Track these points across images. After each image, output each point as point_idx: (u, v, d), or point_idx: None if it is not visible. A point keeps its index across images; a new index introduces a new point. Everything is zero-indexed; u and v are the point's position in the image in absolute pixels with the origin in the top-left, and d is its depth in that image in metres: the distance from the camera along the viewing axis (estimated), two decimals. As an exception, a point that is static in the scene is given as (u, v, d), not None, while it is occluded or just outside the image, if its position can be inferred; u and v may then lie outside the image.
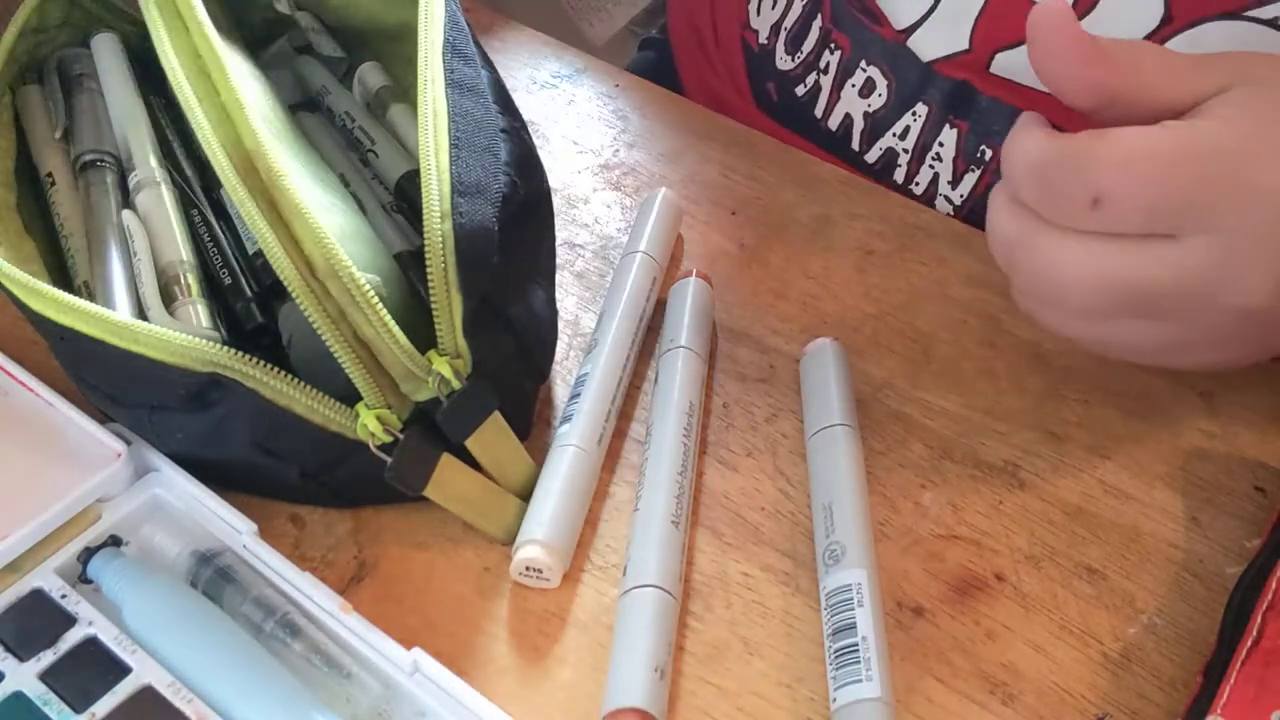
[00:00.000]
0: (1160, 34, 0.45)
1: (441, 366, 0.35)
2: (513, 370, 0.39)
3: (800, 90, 0.58)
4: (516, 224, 0.38)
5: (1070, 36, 0.34)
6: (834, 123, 0.57)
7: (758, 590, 0.38)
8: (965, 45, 0.50)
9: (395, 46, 0.46)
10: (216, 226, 0.41)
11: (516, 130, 0.40)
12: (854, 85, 0.55)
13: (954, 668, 0.36)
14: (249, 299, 0.39)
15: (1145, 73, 0.35)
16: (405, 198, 0.41)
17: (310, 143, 0.44)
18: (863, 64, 0.54)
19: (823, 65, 0.57)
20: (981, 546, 0.39)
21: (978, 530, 0.40)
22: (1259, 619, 0.34)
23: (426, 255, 0.35)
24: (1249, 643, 0.34)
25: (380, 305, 0.34)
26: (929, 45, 0.51)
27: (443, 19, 0.40)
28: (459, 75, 0.39)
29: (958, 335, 0.46)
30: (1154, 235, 0.34)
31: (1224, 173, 0.34)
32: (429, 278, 0.35)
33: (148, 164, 0.41)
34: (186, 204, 0.41)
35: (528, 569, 0.37)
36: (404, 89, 0.43)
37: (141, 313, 0.37)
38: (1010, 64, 0.49)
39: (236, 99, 0.36)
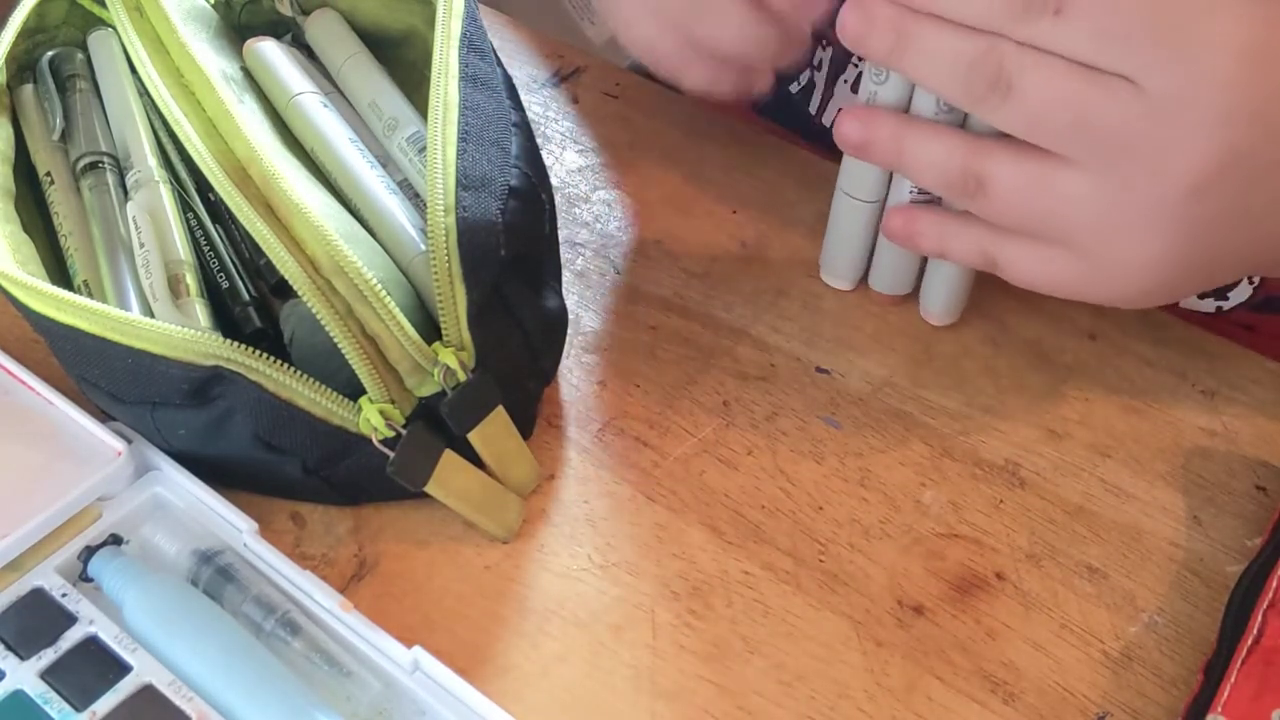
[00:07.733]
0: None
1: (447, 358, 0.35)
2: (519, 368, 0.39)
3: (794, 88, 0.58)
4: (527, 217, 0.38)
5: None
6: (828, 119, 0.57)
7: (758, 589, 0.38)
8: None
9: (398, 51, 0.46)
10: (213, 230, 0.41)
11: (528, 126, 0.40)
12: (846, 81, 0.55)
13: (954, 666, 0.36)
14: (246, 303, 0.39)
15: None
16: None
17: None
18: (854, 59, 0.54)
19: (815, 62, 0.57)
20: (982, 545, 0.39)
21: (978, 529, 0.40)
22: (1259, 617, 0.34)
23: (430, 247, 0.35)
24: (1249, 641, 0.34)
25: (388, 298, 0.35)
26: None
27: (463, 14, 0.40)
28: (473, 69, 0.39)
29: (959, 333, 0.45)
30: (1110, 72, 0.34)
31: (1178, 20, 0.33)
32: (433, 270, 0.35)
33: (145, 162, 0.41)
34: (183, 207, 0.41)
35: None
36: (406, 92, 0.43)
37: (148, 308, 0.37)
38: None
39: (224, 110, 0.36)
